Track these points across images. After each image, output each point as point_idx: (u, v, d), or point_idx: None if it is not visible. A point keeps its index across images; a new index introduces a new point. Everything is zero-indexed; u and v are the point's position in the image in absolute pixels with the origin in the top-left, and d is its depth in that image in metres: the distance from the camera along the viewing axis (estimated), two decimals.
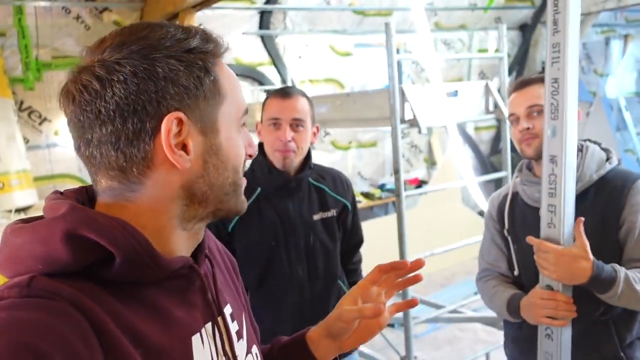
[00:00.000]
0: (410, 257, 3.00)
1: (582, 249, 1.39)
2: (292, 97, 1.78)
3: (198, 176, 0.71)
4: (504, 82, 3.10)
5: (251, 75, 5.58)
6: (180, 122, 0.67)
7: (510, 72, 7.19)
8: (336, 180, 1.95)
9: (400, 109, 2.64)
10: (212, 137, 0.71)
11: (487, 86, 3.08)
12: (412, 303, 0.94)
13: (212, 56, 0.71)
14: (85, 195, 0.74)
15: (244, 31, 5.46)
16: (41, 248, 0.63)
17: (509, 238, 1.68)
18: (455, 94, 2.96)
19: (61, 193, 0.72)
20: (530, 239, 1.48)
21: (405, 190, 2.72)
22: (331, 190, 1.90)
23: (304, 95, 1.82)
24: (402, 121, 2.66)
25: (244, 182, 0.78)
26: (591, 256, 1.39)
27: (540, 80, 1.59)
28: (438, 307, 3.48)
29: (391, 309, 0.93)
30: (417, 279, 0.92)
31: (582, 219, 1.42)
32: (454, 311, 3.28)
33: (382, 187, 6.36)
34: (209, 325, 0.77)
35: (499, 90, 3.09)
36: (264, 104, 1.84)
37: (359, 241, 2.07)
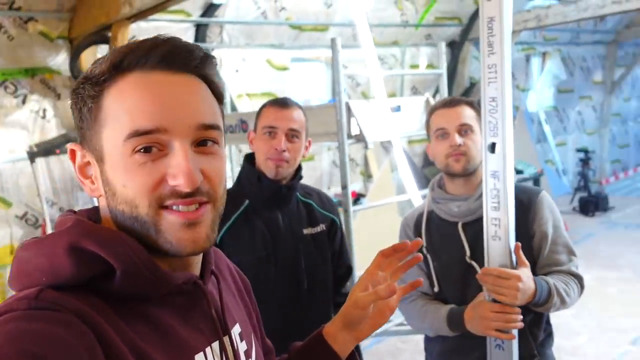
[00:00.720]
0: (359, 271, 3.02)
1: (529, 272, 1.48)
2: (290, 108, 1.77)
3: (109, 204, 0.71)
4: (444, 96, 3.21)
5: None
6: (72, 152, 0.74)
7: (439, 89, 7.46)
8: (322, 197, 1.94)
9: (347, 124, 2.67)
10: (102, 166, 0.70)
11: (427, 101, 3.17)
12: (417, 284, 0.97)
13: (97, 83, 0.69)
14: (99, 214, 0.76)
15: None
16: (46, 261, 0.65)
17: (428, 256, 1.72)
18: (398, 109, 3.03)
19: (74, 212, 0.75)
20: (488, 270, 1.50)
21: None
22: (318, 205, 1.89)
23: (300, 107, 1.81)
24: (349, 136, 2.69)
25: (164, 220, 0.69)
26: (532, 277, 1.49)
27: (466, 102, 1.70)
28: None
29: (398, 293, 0.94)
30: (417, 259, 0.96)
31: (520, 244, 1.49)
32: (401, 324, 3.33)
33: None
34: (215, 345, 0.76)
35: None
36: (258, 112, 1.81)
37: (349, 267, 2.01)
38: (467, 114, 1.67)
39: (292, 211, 1.82)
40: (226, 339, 0.78)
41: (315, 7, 5.89)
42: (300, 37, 6.13)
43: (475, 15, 7.40)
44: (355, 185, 6.84)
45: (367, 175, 7.07)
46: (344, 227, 2.02)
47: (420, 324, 1.73)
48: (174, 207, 0.68)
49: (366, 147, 2.68)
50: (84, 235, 0.67)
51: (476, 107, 1.71)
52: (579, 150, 9.28)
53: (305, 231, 1.83)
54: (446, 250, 1.63)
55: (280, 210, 1.79)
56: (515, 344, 1.56)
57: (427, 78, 7.46)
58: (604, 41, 10.24)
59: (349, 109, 2.68)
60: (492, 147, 1.51)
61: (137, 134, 0.67)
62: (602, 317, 4.46)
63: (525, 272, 1.46)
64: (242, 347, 0.82)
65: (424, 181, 7.32)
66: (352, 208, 2.59)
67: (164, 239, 0.69)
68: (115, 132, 0.68)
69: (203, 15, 5.29)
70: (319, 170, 6.57)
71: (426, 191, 3.57)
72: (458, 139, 1.63)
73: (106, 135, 0.69)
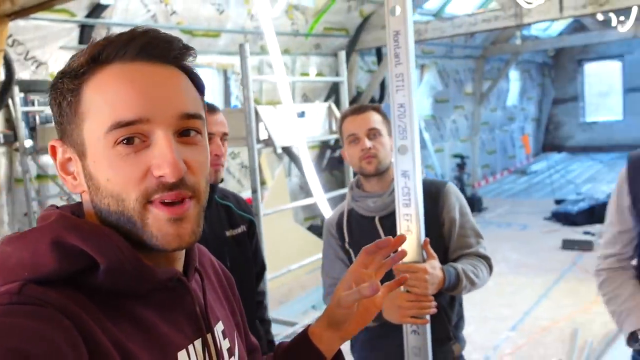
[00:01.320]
0: (269, 274, 3.03)
1: (437, 263, 1.62)
2: (220, 113, 1.81)
3: (92, 200, 0.70)
4: (345, 103, 3.34)
5: None
6: (52, 149, 0.73)
7: (329, 96, 7.68)
8: (238, 198, 1.97)
9: (256, 129, 2.69)
10: (84, 160, 0.70)
11: (329, 108, 3.28)
12: (403, 280, 0.99)
13: (76, 76, 0.69)
14: (82, 210, 0.75)
15: (62, 45, 5.03)
16: (28, 255, 0.64)
17: (351, 251, 1.86)
18: (302, 114, 3.10)
19: (57, 207, 0.73)
20: (397, 267, 1.57)
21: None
22: (236, 207, 1.91)
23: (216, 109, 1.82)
24: (258, 141, 2.71)
25: (151, 213, 0.68)
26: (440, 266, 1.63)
27: (372, 108, 1.86)
28: (292, 324, 3.56)
29: (383, 289, 0.94)
30: (402, 255, 0.97)
31: (428, 239, 1.62)
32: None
33: None
34: (198, 342, 0.76)
35: (340, 110, 3.32)
36: None
37: (262, 266, 2.06)
38: (374, 119, 1.83)
39: (212, 214, 1.82)
40: (209, 337, 0.78)
41: (207, 12, 5.82)
42: (191, 42, 6.00)
43: (361, 27, 7.73)
44: (249, 192, 6.82)
45: (261, 182, 7.09)
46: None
47: None
48: (161, 202, 0.68)
49: (275, 151, 2.71)
50: (68, 230, 0.66)
51: (382, 112, 1.88)
52: (455, 156, 10.00)
53: (228, 233, 1.85)
54: (366, 244, 1.71)
55: None
56: (428, 328, 1.68)
57: (317, 86, 7.65)
58: (473, 56, 11.16)
59: (257, 114, 2.71)
60: (402, 149, 1.65)
61: (119, 125, 0.66)
62: (484, 308, 4.86)
63: (432, 264, 1.59)
64: (224, 344, 0.82)
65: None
66: (262, 212, 2.62)
67: (150, 234, 0.68)
68: (97, 125, 0.67)
69: (89, 15, 5.02)
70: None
71: (333, 194, 3.69)
72: (368, 143, 1.79)
73: (87, 129, 0.68)
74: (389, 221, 1.77)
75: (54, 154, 0.73)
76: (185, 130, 0.70)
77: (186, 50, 0.73)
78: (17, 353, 0.55)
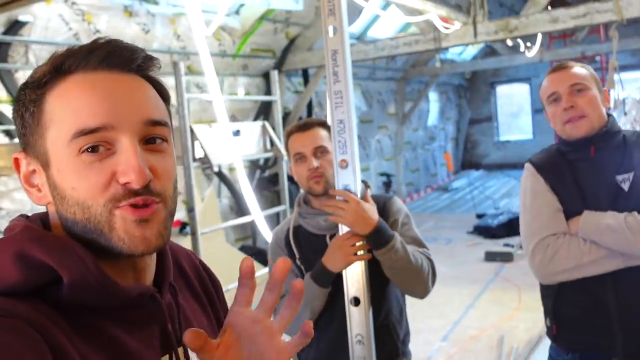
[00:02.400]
0: None
1: (374, 208, 1.68)
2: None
3: (58, 210, 0.70)
4: (279, 122, 3.37)
5: None
6: (16, 161, 0.72)
7: (257, 117, 7.69)
8: None
9: (192, 148, 2.67)
10: (48, 171, 0.69)
11: (263, 126, 3.30)
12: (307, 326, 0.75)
13: (38, 86, 0.69)
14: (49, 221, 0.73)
15: None
16: None
17: (302, 267, 1.83)
18: (237, 133, 3.11)
19: (27, 217, 0.71)
20: (333, 191, 1.70)
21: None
22: None
23: None
24: (194, 159, 2.69)
25: (117, 217, 0.67)
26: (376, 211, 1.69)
27: (318, 124, 1.83)
28: None
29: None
30: (298, 289, 0.74)
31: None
32: None
33: None
34: (166, 358, 0.74)
35: (274, 129, 3.35)
36: None
37: None
38: (321, 135, 1.80)
39: None
40: (180, 350, 0.76)
41: (132, 31, 5.70)
42: None
43: (287, 49, 7.84)
44: (179, 214, 6.68)
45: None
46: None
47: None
48: (128, 205, 0.67)
49: (212, 169, 2.70)
50: (31, 242, 0.65)
51: (328, 126, 1.82)
52: (381, 174, 10.26)
53: None
54: (317, 261, 1.73)
55: None
56: (372, 339, 1.72)
57: (246, 107, 7.65)
58: (395, 78, 11.57)
59: (192, 132, 2.69)
60: (342, 164, 1.69)
61: (82, 133, 0.66)
62: (416, 319, 4.98)
63: (367, 204, 1.67)
64: (194, 357, 0.80)
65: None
66: (200, 231, 2.59)
67: (117, 237, 0.67)
68: (60, 134, 0.67)
69: (6, 32, 4.78)
70: None
71: (269, 211, 3.70)
72: (315, 162, 1.76)
73: (51, 138, 0.67)
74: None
75: (17, 167, 0.72)
76: (150, 138, 0.70)
77: (150, 60, 0.73)
78: None
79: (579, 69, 1.81)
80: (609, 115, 1.81)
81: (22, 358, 0.56)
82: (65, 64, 0.68)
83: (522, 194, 1.90)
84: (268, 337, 0.70)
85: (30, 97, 0.69)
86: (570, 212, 1.77)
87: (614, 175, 1.75)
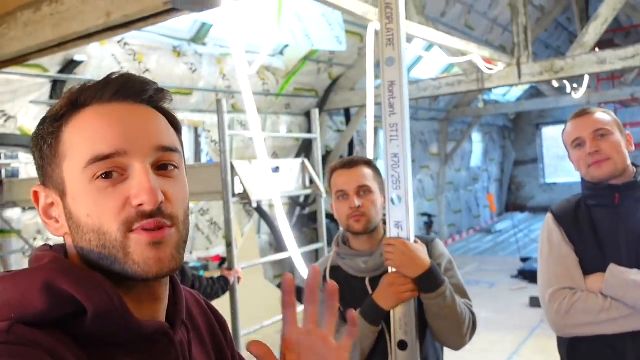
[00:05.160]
0: (242, 331, 2.96)
1: (423, 247, 1.66)
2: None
3: (74, 239, 0.71)
4: (319, 160, 3.39)
5: None
6: (35, 194, 0.74)
7: (298, 155, 7.77)
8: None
9: (231, 183, 2.71)
10: (65, 200, 0.71)
11: (303, 163, 3.33)
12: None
13: (55, 120, 0.72)
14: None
15: (33, 99, 5.00)
16: (18, 295, 0.64)
17: (341, 309, 1.77)
18: (277, 169, 3.14)
19: (51, 247, 0.73)
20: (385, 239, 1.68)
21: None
22: None
23: None
24: (233, 195, 2.72)
25: (132, 241, 0.68)
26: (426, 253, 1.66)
27: (364, 162, 1.81)
28: None
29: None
30: (333, 289, 0.87)
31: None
32: None
33: (186, 264, 6.15)
34: None
35: (314, 167, 3.36)
36: None
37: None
38: (365, 174, 1.77)
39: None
40: None
41: (180, 71, 5.91)
42: None
43: (330, 89, 7.95)
44: (218, 249, 6.73)
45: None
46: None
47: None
48: (142, 229, 0.68)
49: (250, 205, 2.72)
50: (60, 273, 0.66)
51: (374, 166, 1.82)
52: (422, 215, 10.11)
53: None
54: (356, 306, 1.68)
55: None
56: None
57: (287, 145, 7.74)
58: (438, 118, 11.53)
59: (232, 168, 2.73)
60: (394, 200, 1.66)
61: (96, 159, 0.68)
62: None
63: (417, 245, 1.64)
64: None
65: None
66: (237, 266, 2.60)
67: (132, 261, 0.68)
68: (75, 161, 0.69)
69: (61, 71, 5.04)
70: None
71: (306, 249, 3.68)
72: (357, 201, 1.72)
73: (67, 167, 0.70)
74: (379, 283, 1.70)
75: (36, 200, 0.75)
76: (162, 164, 0.72)
77: (161, 92, 0.76)
78: None
79: (602, 115, 1.83)
80: (636, 166, 1.81)
81: None
82: (81, 97, 0.72)
83: (540, 243, 1.90)
84: (323, 343, 0.81)
85: (48, 130, 0.72)
86: (587, 264, 1.75)
87: (637, 226, 1.72)
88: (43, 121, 0.73)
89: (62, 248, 0.75)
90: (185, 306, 0.83)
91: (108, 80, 0.73)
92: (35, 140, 0.73)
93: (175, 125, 0.79)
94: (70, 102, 0.72)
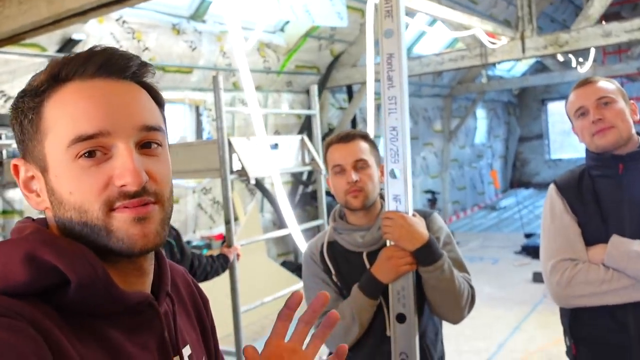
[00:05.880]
0: (243, 307, 2.98)
1: (422, 221, 1.65)
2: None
3: (55, 214, 0.71)
4: (318, 137, 3.37)
5: None
6: (15, 167, 0.73)
7: (300, 133, 7.74)
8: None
9: (229, 160, 2.69)
10: (47, 176, 0.71)
11: (302, 140, 3.30)
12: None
13: (36, 94, 0.71)
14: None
15: None
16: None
17: (338, 283, 1.76)
18: (275, 146, 3.12)
19: (33, 219, 0.73)
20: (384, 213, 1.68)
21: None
22: None
23: None
24: (231, 172, 2.71)
25: (115, 219, 0.68)
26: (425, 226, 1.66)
27: (360, 136, 1.75)
28: None
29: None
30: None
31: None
32: None
33: (187, 244, 6.18)
34: None
35: (314, 144, 3.34)
36: None
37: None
38: (362, 148, 1.72)
39: None
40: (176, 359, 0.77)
41: (180, 49, 5.86)
42: (164, 78, 6.03)
43: (332, 66, 7.88)
44: (222, 227, 6.75)
45: (234, 218, 7.03)
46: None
47: (345, 321, 1.67)
48: (124, 207, 0.68)
49: (248, 182, 2.72)
50: (43, 244, 0.66)
51: (370, 139, 1.78)
52: (426, 192, 10.10)
53: None
54: (354, 280, 1.70)
55: None
56: (417, 357, 1.66)
57: (289, 122, 7.71)
58: (441, 94, 11.43)
59: (230, 145, 2.71)
60: (393, 173, 1.64)
61: (80, 139, 0.67)
62: (459, 341, 4.84)
63: (415, 218, 1.64)
64: None
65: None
66: (236, 243, 2.60)
67: (116, 238, 0.68)
68: (58, 140, 0.68)
69: (60, 50, 5.00)
70: (183, 214, 6.39)
71: (306, 225, 3.68)
72: (354, 176, 1.68)
73: (49, 144, 0.69)
74: (377, 257, 1.68)
75: (16, 173, 0.74)
76: (146, 143, 0.72)
77: (144, 66, 0.75)
78: None
79: (605, 83, 1.80)
80: None
81: (23, 358, 0.57)
82: (62, 72, 0.70)
83: (543, 214, 1.88)
84: None
85: (28, 105, 0.71)
86: (590, 235, 1.74)
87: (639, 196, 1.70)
88: (23, 94, 0.72)
89: (44, 221, 0.74)
90: (171, 279, 0.83)
91: (90, 54, 0.71)
92: (14, 113, 0.72)
93: (159, 101, 0.78)
94: (52, 76, 0.70)
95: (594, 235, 1.72)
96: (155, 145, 0.73)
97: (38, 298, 0.64)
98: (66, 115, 0.68)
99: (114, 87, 0.71)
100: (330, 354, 1.93)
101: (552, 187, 1.87)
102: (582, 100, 1.78)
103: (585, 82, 1.82)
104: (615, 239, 1.66)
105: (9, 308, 0.61)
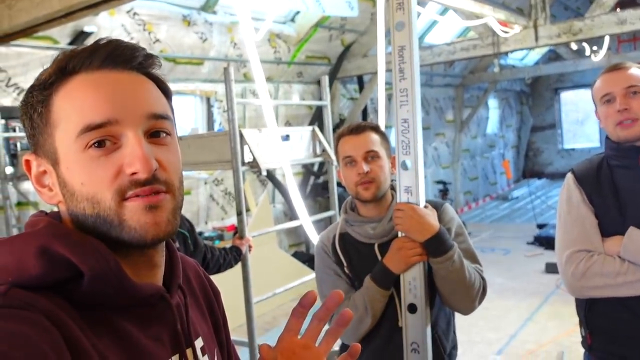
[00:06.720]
0: (255, 298, 3.00)
1: (433, 212, 1.64)
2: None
3: (68, 208, 0.72)
4: (329, 128, 3.36)
5: None
6: (27, 163, 0.73)
7: (311, 124, 7.73)
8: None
9: (241, 152, 2.70)
10: (58, 169, 0.71)
11: (314, 131, 3.30)
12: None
13: (45, 87, 0.71)
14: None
15: None
16: (14, 260, 0.65)
17: (350, 275, 1.77)
18: (286, 138, 3.12)
19: (46, 213, 0.74)
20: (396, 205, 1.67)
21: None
22: None
23: None
24: (243, 163, 2.71)
25: (127, 209, 0.68)
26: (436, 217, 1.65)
27: (371, 128, 1.76)
28: None
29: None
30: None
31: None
32: None
33: (199, 235, 6.22)
34: (176, 358, 0.75)
35: (325, 135, 3.34)
36: None
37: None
38: (373, 139, 1.73)
39: None
40: (189, 352, 0.78)
41: (190, 40, 5.87)
42: (174, 70, 6.04)
43: (342, 56, 7.85)
44: (233, 218, 6.78)
45: (245, 209, 7.05)
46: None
47: (358, 311, 1.68)
48: (135, 195, 0.69)
49: (260, 173, 2.72)
50: (55, 237, 0.66)
51: (381, 131, 1.78)
52: (437, 182, 10.06)
53: None
54: (366, 272, 1.71)
55: None
56: (429, 347, 1.66)
57: (300, 113, 7.70)
58: (453, 84, 11.36)
59: (242, 136, 2.72)
60: (405, 164, 1.64)
61: (88, 128, 0.68)
62: (471, 331, 4.84)
63: (426, 209, 1.62)
64: None
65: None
66: (248, 234, 2.61)
67: (128, 227, 0.69)
68: (68, 131, 0.69)
69: (72, 43, 5.03)
70: (195, 205, 6.43)
71: (317, 217, 3.68)
72: (365, 167, 1.69)
73: (59, 136, 0.70)
74: (389, 249, 1.68)
75: (28, 168, 0.75)
76: (155, 132, 0.72)
77: (150, 57, 0.75)
78: (1, 356, 0.55)
79: (636, 70, 1.74)
80: None
81: (40, 351, 0.58)
82: (69, 64, 0.71)
83: (559, 204, 1.85)
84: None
85: (37, 99, 0.71)
86: (607, 226, 1.71)
87: None
88: (32, 89, 0.72)
89: (57, 215, 0.75)
90: (182, 271, 0.83)
91: (96, 46, 0.71)
92: (24, 108, 0.73)
93: (166, 91, 0.78)
94: (59, 69, 0.71)
95: (611, 226, 1.70)
96: (164, 134, 0.73)
97: (51, 291, 0.65)
98: (74, 106, 0.69)
99: (120, 77, 0.71)
100: (342, 346, 1.94)
101: (569, 176, 1.83)
102: (610, 86, 1.73)
103: (616, 67, 1.77)
104: (632, 231, 1.64)
105: (24, 300, 0.62)
